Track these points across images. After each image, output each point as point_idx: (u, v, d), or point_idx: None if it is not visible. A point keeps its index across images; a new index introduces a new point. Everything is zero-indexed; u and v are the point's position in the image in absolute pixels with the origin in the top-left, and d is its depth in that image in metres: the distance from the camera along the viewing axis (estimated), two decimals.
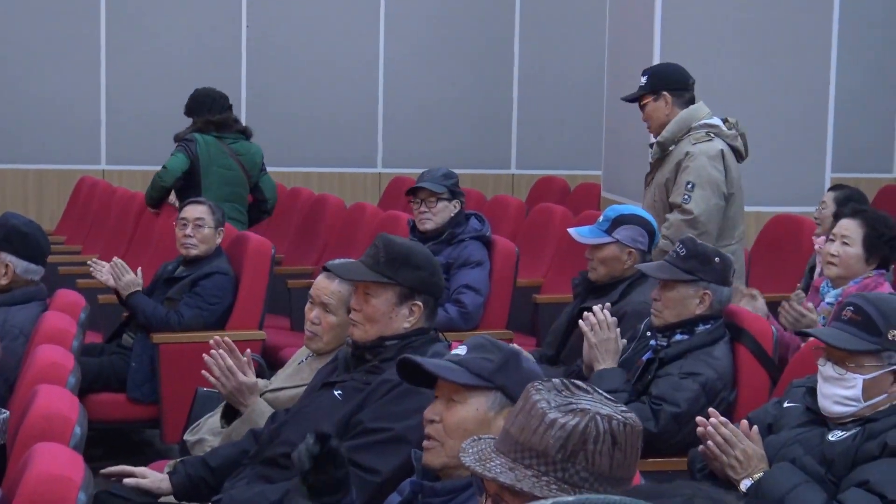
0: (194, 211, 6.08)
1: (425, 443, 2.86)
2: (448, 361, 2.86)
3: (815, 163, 7.72)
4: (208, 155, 7.49)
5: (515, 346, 2.94)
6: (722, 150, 5.70)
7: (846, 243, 4.98)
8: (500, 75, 11.11)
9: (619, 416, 2.19)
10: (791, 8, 7.61)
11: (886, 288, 4.89)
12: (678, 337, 4.38)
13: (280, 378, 4.32)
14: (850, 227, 5.00)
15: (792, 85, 7.63)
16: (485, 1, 11.13)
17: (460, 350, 2.88)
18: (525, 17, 11.09)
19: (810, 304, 5.02)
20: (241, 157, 7.60)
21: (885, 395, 3.47)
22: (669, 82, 5.83)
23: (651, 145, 5.89)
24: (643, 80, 5.87)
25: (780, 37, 7.60)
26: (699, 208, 5.57)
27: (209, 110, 7.62)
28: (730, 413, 4.23)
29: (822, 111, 7.69)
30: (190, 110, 7.72)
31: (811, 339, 3.77)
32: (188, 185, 7.43)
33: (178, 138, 7.61)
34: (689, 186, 5.59)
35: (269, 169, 7.76)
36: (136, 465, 3.95)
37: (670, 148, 5.75)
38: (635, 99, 5.89)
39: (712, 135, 5.72)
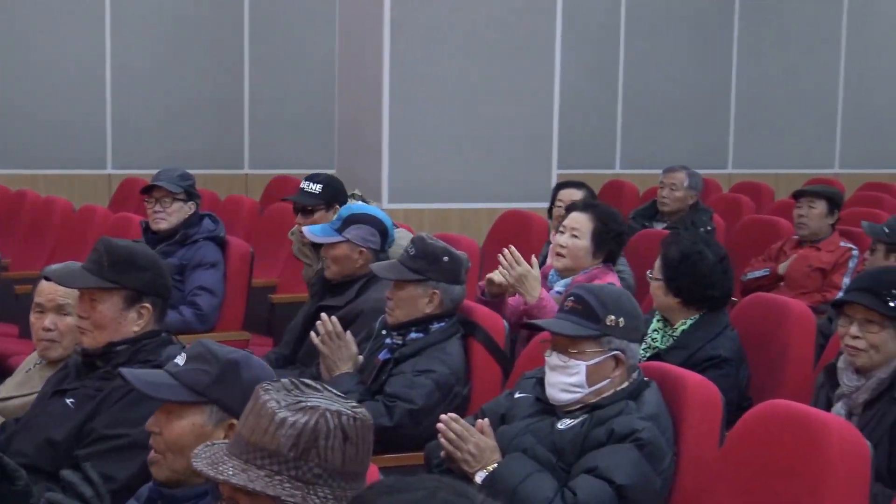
0: None
1: (151, 455, 2.81)
2: (166, 373, 2.81)
3: (542, 160, 7.94)
4: None
5: (242, 352, 2.86)
6: None
7: (576, 236, 5.13)
8: (231, 74, 11.01)
9: (349, 412, 2.21)
10: (515, 9, 7.80)
11: (610, 278, 5.07)
12: (413, 335, 4.43)
13: (8, 387, 4.18)
14: (581, 221, 5.15)
15: (518, 85, 7.82)
16: (215, 1, 10.99)
17: (180, 359, 2.81)
18: (255, 15, 11.01)
19: (534, 260, 5.00)
20: None
21: (608, 381, 3.60)
22: (342, 196, 5.87)
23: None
24: (315, 187, 5.79)
25: (505, 37, 7.77)
26: None
27: None
28: (464, 407, 4.32)
29: (548, 110, 7.91)
30: None
31: (542, 331, 3.88)
32: None
33: None
34: None
35: None
36: None
37: None
38: (304, 205, 5.82)
39: None
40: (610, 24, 11.29)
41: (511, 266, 4.93)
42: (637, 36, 11.30)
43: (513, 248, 5.01)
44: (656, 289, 4.58)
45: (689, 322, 4.52)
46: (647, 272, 4.69)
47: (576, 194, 6.38)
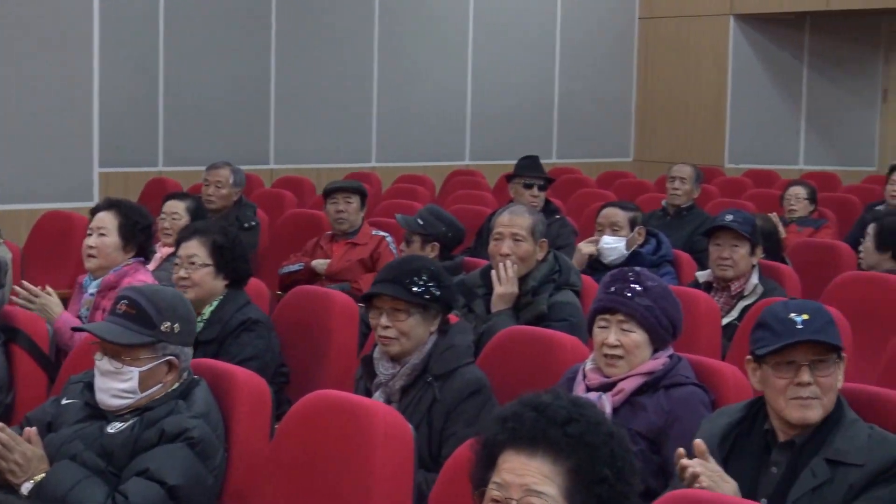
0: None
1: None
2: None
3: (83, 158, 7.77)
4: None
5: None
6: None
7: (103, 234, 5.12)
8: None
9: None
10: (51, 5, 7.59)
11: (144, 274, 5.08)
12: None
13: None
14: (106, 219, 5.16)
15: (55, 82, 7.63)
16: None
17: None
18: None
19: (49, 288, 4.98)
20: None
21: (160, 385, 3.59)
22: None
23: None
24: None
25: (40, 34, 7.55)
26: None
27: None
28: (8, 416, 4.19)
29: (87, 107, 7.75)
30: None
31: (87, 334, 3.82)
32: None
33: None
34: None
35: None
36: None
37: None
38: None
39: None
40: (149, 20, 11.14)
41: (30, 299, 4.84)
42: (177, 31, 11.21)
43: (25, 283, 4.94)
44: (206, 274, 4.76)
45: (214, 303, 4.77)
46: (182, 267, 4.76)
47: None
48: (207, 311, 4.74)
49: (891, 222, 6.30)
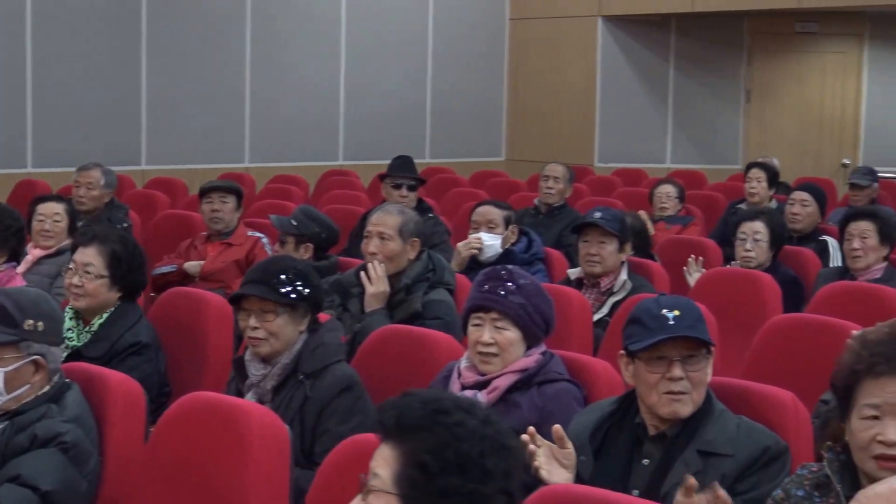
0: None
1: None
2: None
3: None
4: None
5: None
6: None
7: None
8: None
9: None
10: None
11: (18, 280, 5.01)
12: None
13: None
14: None
15: None
16: None
17: None
18: None
19: None
20: None
21: (28, 387, 3.55)
22: None
23: None
24: None
25: None
26: None
27: None
28: None
29: None
30: None
31: None
32: None
33: None
34: None
35: None
36: None
37: None
38: None
39: None
40: (16, 19, 10.93)
41: None
42: (45, 31, 11.01)
43: None
44: (101, 286, 4.62)
45: (105, 316, 4.64)
46: (76, 274, 4.64)
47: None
48: (97, 322, 4.63)
49: (781, 221, 6.63)
